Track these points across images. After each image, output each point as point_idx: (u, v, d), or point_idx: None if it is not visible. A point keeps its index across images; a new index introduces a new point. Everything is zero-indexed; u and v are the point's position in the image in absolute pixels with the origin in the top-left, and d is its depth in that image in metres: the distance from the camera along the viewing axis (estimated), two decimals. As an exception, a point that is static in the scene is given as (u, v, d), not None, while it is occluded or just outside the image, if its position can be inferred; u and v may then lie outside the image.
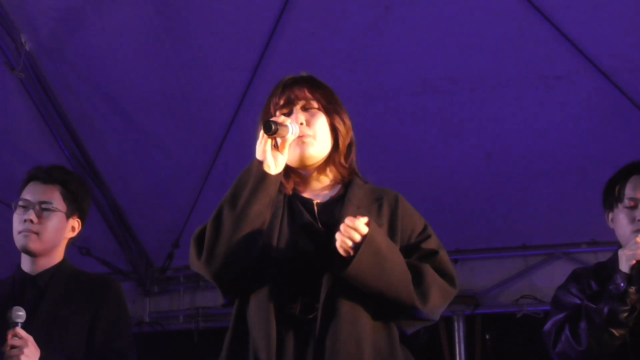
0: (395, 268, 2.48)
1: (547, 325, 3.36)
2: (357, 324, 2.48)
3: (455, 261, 5.61)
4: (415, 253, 2.59)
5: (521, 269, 5.59)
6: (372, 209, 2.61)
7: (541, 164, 5.04)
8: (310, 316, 2.47)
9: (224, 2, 4.48)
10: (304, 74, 2.75)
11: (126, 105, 4.96)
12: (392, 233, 2.59)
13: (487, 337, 5.76)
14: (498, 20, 4.44)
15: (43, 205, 3.45)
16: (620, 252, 3.23)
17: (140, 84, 4.86)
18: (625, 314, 3.14)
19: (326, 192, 2.68)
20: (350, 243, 2.43)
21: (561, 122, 4.84)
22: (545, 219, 5.33)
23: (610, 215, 3.52)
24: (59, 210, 3.47)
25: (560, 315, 3.32)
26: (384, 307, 2.52)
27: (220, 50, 4.67)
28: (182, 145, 5.15)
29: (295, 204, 2.62)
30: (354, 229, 2.43)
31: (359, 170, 2.77)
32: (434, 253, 2.60)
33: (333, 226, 2.50)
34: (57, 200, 3.48)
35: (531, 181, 5.12)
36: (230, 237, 2.46)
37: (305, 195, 2.66)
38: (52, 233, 3.46)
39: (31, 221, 3.42)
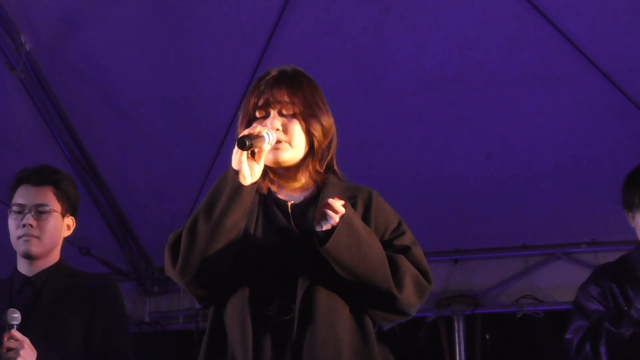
0: (371, 249, 2.48)
1: (569, 333, 3.34)
2: (334, 325, 2.47)
3: (455, 261, 5.61)
4: (388, 249, 2.57)
5: (521, 269, 5.59)
6: None
7: (541, 164, 5.04)
8: (287, 317, 2.47)
9: (224, 2, 4.48)
10: (288, 69, 2.70)
11: (126, 105, 4.96)
12: None
13: (487, 337, 5.77)
14: (498, 20, 4.44)
15: (39, 208, 3.44)
16: None
17: (140, 84, 4.86)
18: None
19: (300, 192, 2.66)
20: (327, 221, 2.43)
21: (561, 122, 4.84)
22: (545, 219, 5.33)
23: (630, 214, 3.46)
24: (55, 211, 3.47)
25: (581, 324, 3.30)
26: (361, 293, 2.50)
27: (220, 50, 4.67)
28: (182, 145, 5.15)
29: (269, 205, 2.61)
30: (331, 208, 2.43)
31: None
32: (406, 249, 2.58)
33: (307, 227, 2.51)
34: (51, 201, 3.47)
35: (531, 181, 5.12)
36: (205, 248, 2.46)
37: (280, 195, 2.65)
38: (51, 235, 3.46)
39: (30, 225, 3.41)
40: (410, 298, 2.52)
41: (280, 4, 4.44)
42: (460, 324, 5.61)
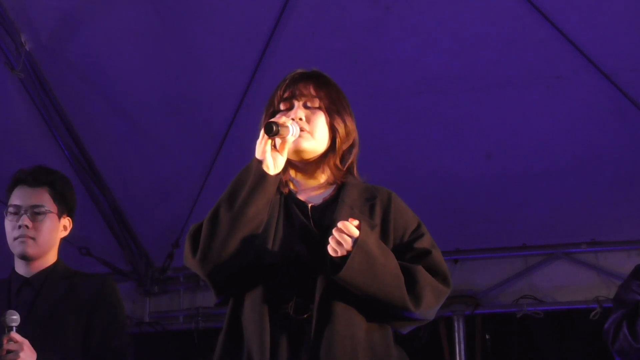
0: (387, 271, 2.47)
1: (607, 323, 3.34)
2: (351, 325, 2.47)
3: (455, 261, 5.61)
4: (408, 252, 2.58)
5: (521, 269, 5.59)
6: (365, 209, 2.61)
7: (541, 164, 5.04)
8: (305, 316, 2.47)
9: (224, 2, 4.48)
10: (314, 69, 2.74)
11: (126, 105, 4.96)
12: (384, 233, 2.59)
13: (487, 337, 5.76)
14: (498, 20, 4.44)
15: (35, 209, 3.44)
16: None
17: (141, 84, 4.86)
18: None
19: (320, 191, 2.67)
20: (342, 246, 2.43)
21: (561, 122, 4.84)
22: (545, 219, 5.33)
23: None
24: (51, 212, 3.47)
25: (619, 312, 3.29)
26: (377, 309, 2.51)
27: (220, 50, 4.67)
28: (182, 145, 5.15)
29: (290, 205, 2.62)
30: (345, 233, 2.43)
31: (359, 170, 2.76)
32: (426, 252, 2.58)
33: (327, 228, 2.51)
34: (47, 202, 3.47)
35: (531, 181, 5.12)
36: (226, 237, 2.46)
37: (300, 195, 2.66)
38: (47, 236, 3.45)
39: (26, 227, 3.41)
40: (428, 309, 2.54)
41: (280, 4, 4.44)
42: (460, 324, 5.60)
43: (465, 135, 4.96)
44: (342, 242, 2.42)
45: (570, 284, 5.50)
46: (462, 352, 5.59)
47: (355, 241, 2.42)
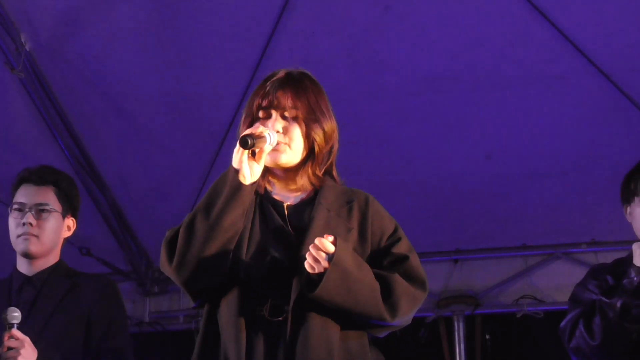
0: (362, 285, 2.49)
1: (563, 322, 3.33)
2: (327, 327, 2.48)
3: (455, 261, 5.61)
4: (386, 258, 2.59)
5: (521, 269, 5.59)
6: (342, 212, 2.61)
7: (541, 164, 5.04)
8: (280, 318, 2.48)
9: (224, 2, 4.48)
10: (294, 71, 2.70)
11: (126, 105, 4.96)
12: (362, 236, 2.60)
13: (487, 337, 5.76)
14: (498, 20, 4.44)
15: (40, 207, 3.45)
16: (635, 246, 3.23)
17: (140, 83, 4.86)
18: (639, 309, 3.12)
19: (298, 193, 2.67)
20: (319, 263, 2.43)
21: (561, 122, 4.84)
22: (545, 219, 5.33)
23: (628, 209, 3.49)
24: (56, 211, 3.48)
25: (576, 311, 3.29)
26: (352, 321, 2.52)
27: (220, 50, 4.67)
28: (182, 145, 5.15)
29: (266, 205, 2.62)
30: (321, 250, 2.43)
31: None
32: (404, 258, 2.59)
33: (302, 229, 2.52)
34: (52, 200, 3.48)
35: (531, 181, 5.12)
36: (202, 246, 2.47)
37: (277, 196, 2.66)
38: (51, 234, 3.46)
39: (30, 224, 3.41)
40: (403, 317, 2.55)
41: (280, 4, 4.44)
42: (460, 324, 5.61)
43: (465, 135, 4.96)
44: (318, 259, 2.43)
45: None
46: (462, 352, 5.59)
47: (331, 258, 2.43)
